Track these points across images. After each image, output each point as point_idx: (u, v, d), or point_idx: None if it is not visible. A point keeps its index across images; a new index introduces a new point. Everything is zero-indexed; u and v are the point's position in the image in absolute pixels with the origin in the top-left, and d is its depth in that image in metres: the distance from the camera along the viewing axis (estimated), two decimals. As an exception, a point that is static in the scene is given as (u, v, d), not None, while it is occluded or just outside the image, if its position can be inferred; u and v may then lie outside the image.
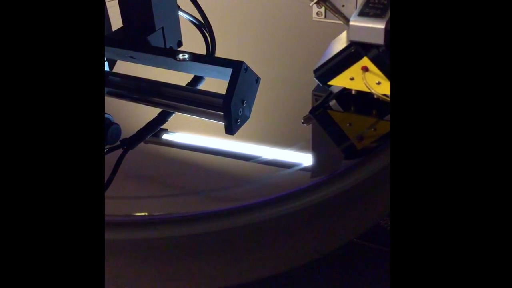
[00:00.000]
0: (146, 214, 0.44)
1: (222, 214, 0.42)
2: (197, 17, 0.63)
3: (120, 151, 0.51)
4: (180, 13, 0.64)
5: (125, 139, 0.52)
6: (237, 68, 0.49)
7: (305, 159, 0.49)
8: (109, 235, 0.39)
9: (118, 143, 0.52)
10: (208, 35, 0.63)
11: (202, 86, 0.59)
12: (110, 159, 0.50)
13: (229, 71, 0.49)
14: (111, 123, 0.52)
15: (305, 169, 0.48)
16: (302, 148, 0.50)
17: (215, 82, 0.55)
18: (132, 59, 0.57)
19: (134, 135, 0.53)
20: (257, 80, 0.52)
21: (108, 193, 0.46)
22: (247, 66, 0.50)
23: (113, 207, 0.43)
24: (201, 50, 0.64)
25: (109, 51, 0.56)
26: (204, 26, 0.63)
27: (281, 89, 0.61)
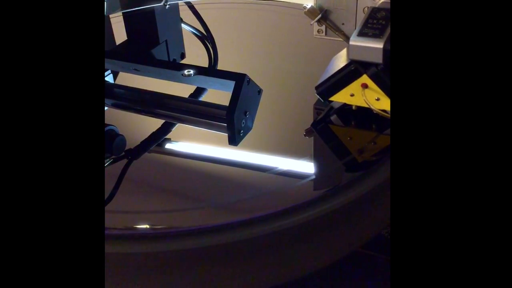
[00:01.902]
0: (148, 227, 0.44)
1: (225, 227, 0.43)
2: (200, 29, 0.65)
3: (125, 160, 0.52)
4: (183, 25, 0.65)
5: (130, 149, 0.53)
6: (240, 80, 0.50)
7: (308, 171, 0.50)
8: (109, 248, 0.40)
9: (123, 153, 0.53)
10: (211, 47, 0.64)
11: (204, 97, 0.60)
12: (115, 169, 0.51)
13: (232, 83, 0.50)
14: (116, 134, 0.53)
15: (308, 182, 0.49)
16: (306, 160, 0.51)
17: (217, 92, 0.56)
18: (137, 71, 0.57)
19: (138, 146, 0.54)
20: (259, 91, 0.53)
21: (112, 203, 0.46)
22: (249, 78, 0.51)
23: (117, 218, 0.44)
24: (201, 58, 0.65)
25: (114, 64, 0.57)
26: (206, 39, 0.64)
27: (284, 102, 0.62)
